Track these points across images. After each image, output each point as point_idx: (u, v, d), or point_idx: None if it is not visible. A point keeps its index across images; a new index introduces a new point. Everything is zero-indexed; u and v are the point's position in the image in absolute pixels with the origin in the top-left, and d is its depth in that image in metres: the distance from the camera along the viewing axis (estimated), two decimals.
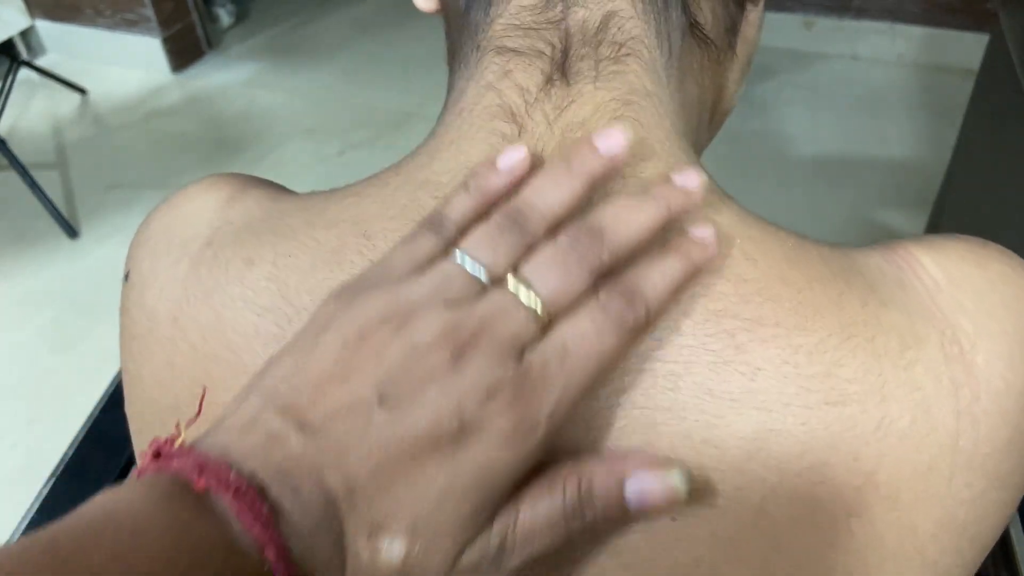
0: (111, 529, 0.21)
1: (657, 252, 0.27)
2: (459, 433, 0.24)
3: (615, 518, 0.26)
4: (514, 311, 0.25)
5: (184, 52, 2.35)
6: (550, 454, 0.26)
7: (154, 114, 2.17)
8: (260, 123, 2.10)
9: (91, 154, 2.02)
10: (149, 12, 2.24)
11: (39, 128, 2.11)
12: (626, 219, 0.27)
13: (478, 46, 0.34)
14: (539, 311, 0.26)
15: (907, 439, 0.27)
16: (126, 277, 0.37)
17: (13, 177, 1.81)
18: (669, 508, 0.26)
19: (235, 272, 0.32)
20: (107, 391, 0.58)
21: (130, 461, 0.55)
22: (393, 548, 0.24)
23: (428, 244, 0.28)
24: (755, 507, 0.27)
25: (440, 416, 0.24)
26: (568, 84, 0.32)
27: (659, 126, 0.32)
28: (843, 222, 1.67)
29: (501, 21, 0.33)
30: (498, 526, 0.25)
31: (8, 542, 0.51)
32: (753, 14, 0.38)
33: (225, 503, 0.22)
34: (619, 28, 0.32)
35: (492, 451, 0.24)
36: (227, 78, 2.31)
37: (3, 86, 1.96)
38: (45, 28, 2.41)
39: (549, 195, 0.28)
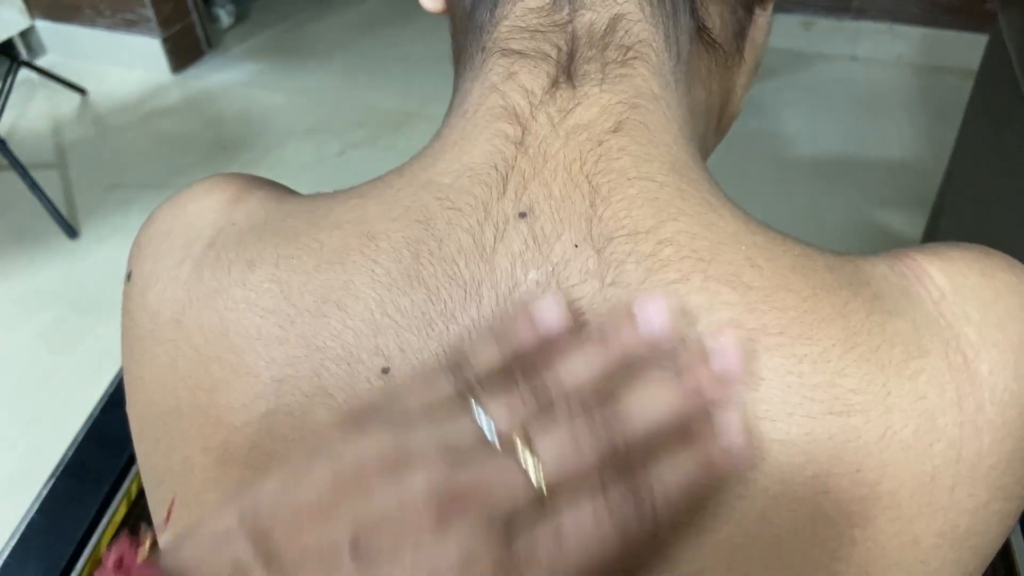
0: None
1: (678, 444, 0.24)
2: None
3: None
4: (513, 478, 0.23)
5: (184, 52, 2.34)
6: None
7: (154, 114, 2.17)
8: (260, 123, 2.10)
9: (91, 154, 2.02)
10: (149, 12, 2.24)
11: (39, 128, 2.11)
12: (651, 404, 0.25)
13: (483, 47, 0.34)
14: (541, 483, 0.23)
15: (911, 449, 0.27)
16: (128, 277, 0.36)
17: (13, 177, 1.81)
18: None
19: (238, 274, 0.32)
20: (107, 391, 0.59)
21: (130, 461, 0.55)
22: None
23: (444, 386, 0.26)
24: (758, 516, 0.27)
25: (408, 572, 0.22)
26: (573, 87, 0.32)
27: (666, 130, 0.32)
28: (842, 222, 1.67)
29: (507, 23, 0.33)
30: None
31: (6, 544, 0.50)
32: (761, 19, 0.38)
33: None
34: (627, 31, 0.32)
35: None
36: (227, 78, 2.31)
37: (3, 86, 1.96)
38: (45, 28, 2.41)
39: (578, 368, 0.26)
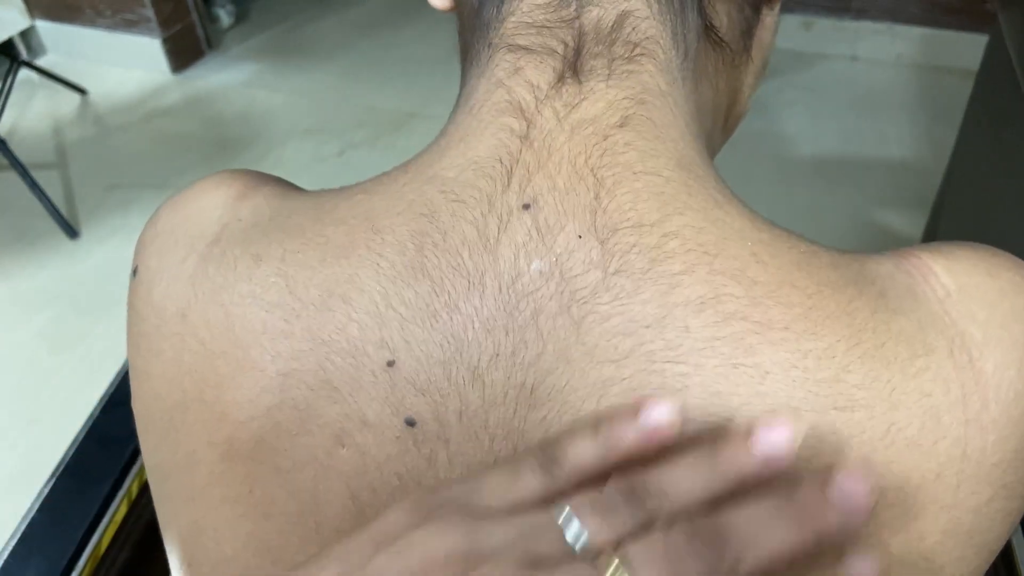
0: None
1: None
2: None
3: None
4: None
5: (184, 52, 2.35)
6: None
7: (154, 114, 2.17)
8: (260, 123, 2.11)
9: (91, 154, 2.02)
10: (149, 12, 2.24)
11: (39, 128, 2.11)
12: (764, 533, 0.22)
13: (490, 44, 0.34)
14: None
15: (915, 446, 0.27)
16: (134, 272, 0.37)
17: (13, 177, 1.81)
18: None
19: (243, 269, 0.32)
20: (108, 391, 0.59)
21: (131, 460, 0.55)
22: None
23: (532, 483, 0.24)
24: None
25: None
26: (579, 82, 0.32)
27: (673, 126, 0.32)
28: (842, 222, 1.67)
29: (513, 19, 0.33)
30: None
31: (7, 544, 0.50)
32: (768, 18, 0.38)
33: None
34: (634, 28, 0.32)
35: None
36: (227, 78, 2.31)
37: (3, 86, 1.96)
38: (45, 28, 2.41)
39: (683, 484, 0.23)
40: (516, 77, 0.32)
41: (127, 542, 0.54)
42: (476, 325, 0.29)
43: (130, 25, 2.29)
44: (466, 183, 0.31)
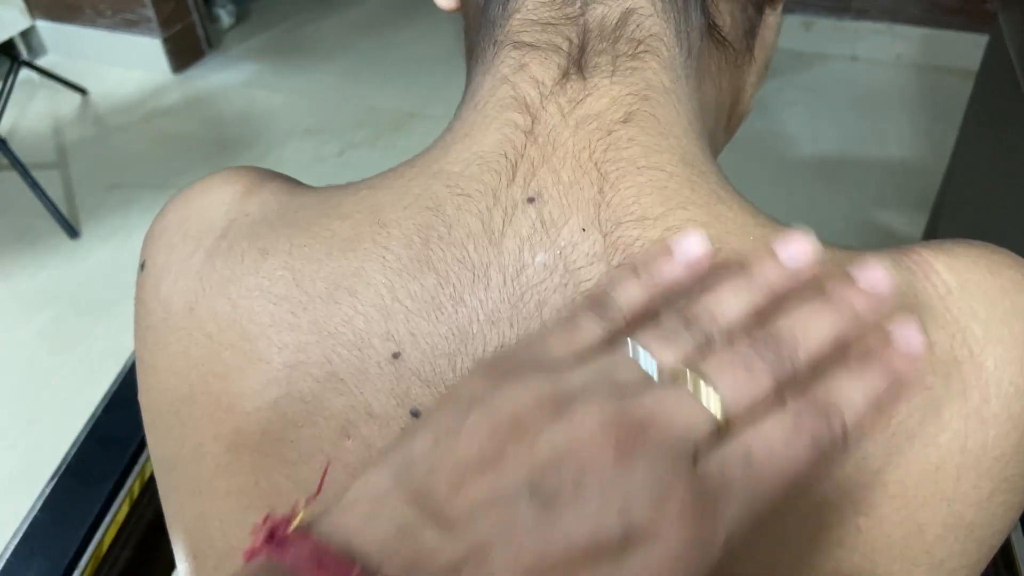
0: None
1: (856, 362, 0.24)
2: (623, 541, 0.20)
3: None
4: (690, 410, 0.22)
5: (184, 52, 2.35)
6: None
7: (154, 114, 2.17)
8: (260, 123, 2.11)
9: (91, 154, 2.02)
10: (149, 12, 2.24)
11: (40, 128, 2.11)
12: (810, 328, 0.24)
13: (495, 41, 0.34)
14: (719, 411, 0.22)
15: (915, 439, 0.27)
16: (141, 267, 0.37)
17: (13, 177, 1.81)
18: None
19: (251, 263, 0.32)
20: (109, 390, 0.59)
21: (132, 460, 0.55)
22: None
23: (591, 329, 0.25)
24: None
25: (602, 519, 0.20)
26: (584, 78, 0.32)
27: (676, 123, 0.32)
28: (843, 222, 1.67)
29: (519, 16, 0.34)
30: None
31: (8, 543, 0.50)
32: (771, 18, 0.38)
33: None
34: (638, 25, 0.32)
35: (662, 566, 0.20)
36: (227, 78, 2.31)
37: (4, 86, 1.96)
38: (45, 28, 2.41)
39: (728, 305, 0.25)
40: (521, 73, 0.33)
41: (129, 542, 0.54)
42: (481, 317, 0.29)
43: (130, 25, 2.29)
44: (471, 177, 0.31)
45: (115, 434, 0.56)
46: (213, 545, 0.32)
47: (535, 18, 0.33)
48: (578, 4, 0.32)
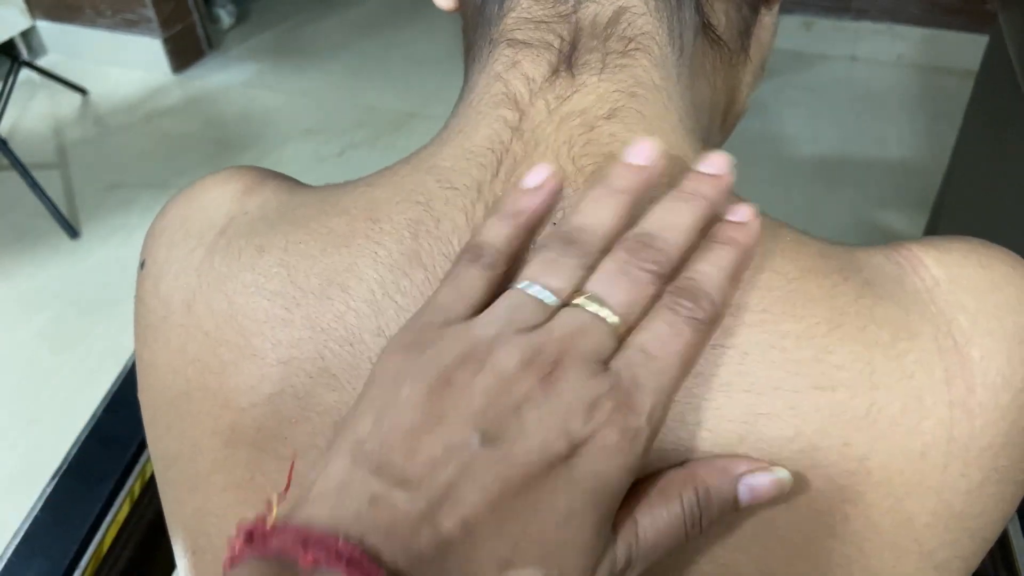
0: None
1: (705, 245, 0.28)
2: (570, 452, 0.23)
3: (724, 517, 0.27)
4: (591, 327, 0.25)
5: (185, 52, 2.35)
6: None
7: (155, 114, 2.17)
8: (260, 123, 2.11)
9: (92, 154, 2.03)
10: (150, 12, 2.24)
11: (40, 128, 2.12)
12: (673, 223, 0.27)
13: (491, 39, 0.35)
14: (615, 324, 0.26)
15: (898, 425, 0.27)
16: (142, 265, 0.37)
17: (14, 177, 1.81)
18: (774, 499, 0.27)
19: (247, 259, 0.33)
20: (109, 390, 0.59)
21: (133, 460, 0.55)
22: None
23: (473, 275, 0.27)
24: None
25: (548, 439, 0.23)
26: (573, 76, 0.32)
27: (664, 119, 0.32)
28: (842, 222, 1.67)
29: (513, 15, 0.34)
30: (622, 542, 0.25)
31: (9, 543, 0.50)
32: (767, 18, 0.38)
33: (339, 574, 0.20)
34: (630, 23, 0.33)
35: (605, 463, 0.24)
36: (227, 79, 2.31)
37: (4, 86, 1.96)
38: (46, 28, 2.41)
39: (596, 216, 0.28)
40: (513, 71, 0.33)
41: (129, 542, 0.54)
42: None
43: (131, 25, 2.29)
44: (460, 172, 0.32)
45: (115, 434, 0.56)
46: (211, 540, 0.32)
47: (529, 16, 0.33)
48: (571, 2, 0.33)
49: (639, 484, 0.26)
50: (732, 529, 0.27)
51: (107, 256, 1.72)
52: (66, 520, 0.52)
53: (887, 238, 0.34)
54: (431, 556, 0.22)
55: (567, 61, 0.32)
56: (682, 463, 0.27)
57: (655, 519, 0.25)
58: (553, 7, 0.33)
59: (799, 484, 0.27)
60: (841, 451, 0.27)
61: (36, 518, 0.52)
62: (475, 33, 0.36)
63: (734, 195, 0.30)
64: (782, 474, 0.26)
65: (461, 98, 0.36)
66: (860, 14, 2.19)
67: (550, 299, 0.26)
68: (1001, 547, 0.49)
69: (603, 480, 0.24)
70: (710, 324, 0.26)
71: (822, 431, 0.27)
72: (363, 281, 0.30)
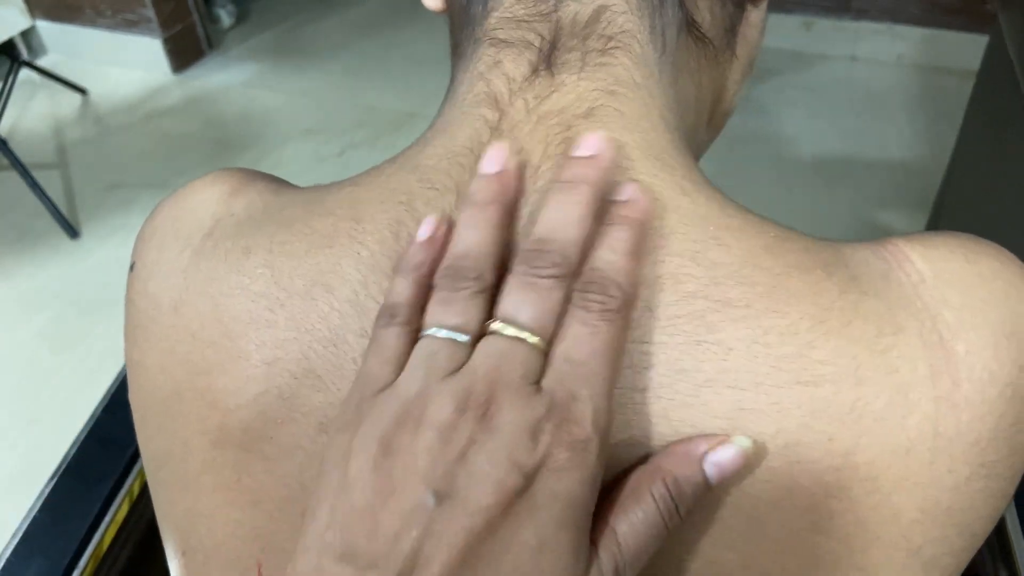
0: None
1: (601, 231, 0.28)
2: (525, 483, 0.23)
3: (700, 500, 0.27)
4: (512, 352, 0.25)
5: (184, 52, 2.35)
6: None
7: (154, 114, 2.17)
8: (260, 123, 2.11)
9: (92, 154, 2.03)
10: (150, 12, 2.24)
11: (40, 128, 2.12)
12: (562, 220, 0.27)
13: (475, 39, 0.35)
14: (534, 341, 0.26)
15: (883, 420, 0.27)
16: (132, 268, 0.37)
17: (14, 177, 1.81)
18: (743, 470, 0.27)
19: (233, 261, 0.33)
20: (109, 390, 0.59)
21: (132, 460, 0.55)
22: None
23: (391, 336, 0.27)
24: (734, 487, 0.27)
25: (500, 478, 0.23)
26: (552, 75, 0.32)
27: (645, 117, 0.32)
28: (843, 223, 1.67)
29: (496, 14, 0.34)
30: (604, 553, 0.25)
31: (8, 543, 0.50)
32: (754, 15, 0.38)
33: None
34: (610, 22, 0.33)
35: (563, 483, 0.24)
36: (227, 79, 2.31)
37: (4, 86, 1.96)
38: (46, 28, 2.41)
39: (474, 237, 0.28)
40: (495, 70, 0.33)
41: (128, 541, 0.54)
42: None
43: (131, 25, 2.30)
44: (441, 171, 0.32)
45: (115, 434, 0.56)
46: (201, 541, 0.32)
47: (511, 15, 0.34)
48: (551, 1, 0.33)
49: (611, 491, 0.26)
50: (719, 526, 0.27)
51: (107, 256, 1.72)
52: (65, 520, 0.52)
53: (886, 237, 0.33)
54: None
55: (547, 60, 0.33)
56: (645, 458, 0.27)
57: (632, 522, 0.25)
58: (534, 6, 0.33)
59: (784, 481, 0.27)
60: (826, 447, 0.27)
61: (35, 518, 0.52)
62: (461, 33, 0.36)
63: (622, 175, 0.30)
64: (743, 442, 0.26)
65: (446, 97, 0.36)
66: (860, 14, 2.19)
67: (461, 338, 0.26)
68: (1001, 546, 0.49)
69: (566, 500, 0.24)
70: (624, 310, 0.27)
71: (806, 426, 0.27)
72: (346, 282, 0.30)
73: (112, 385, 0.59)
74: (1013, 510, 0.49)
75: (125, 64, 2.34)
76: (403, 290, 0.28)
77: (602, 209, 0.28)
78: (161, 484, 0.35)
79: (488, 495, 0.23)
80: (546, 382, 0.25)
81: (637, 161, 0.31)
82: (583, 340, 0.26)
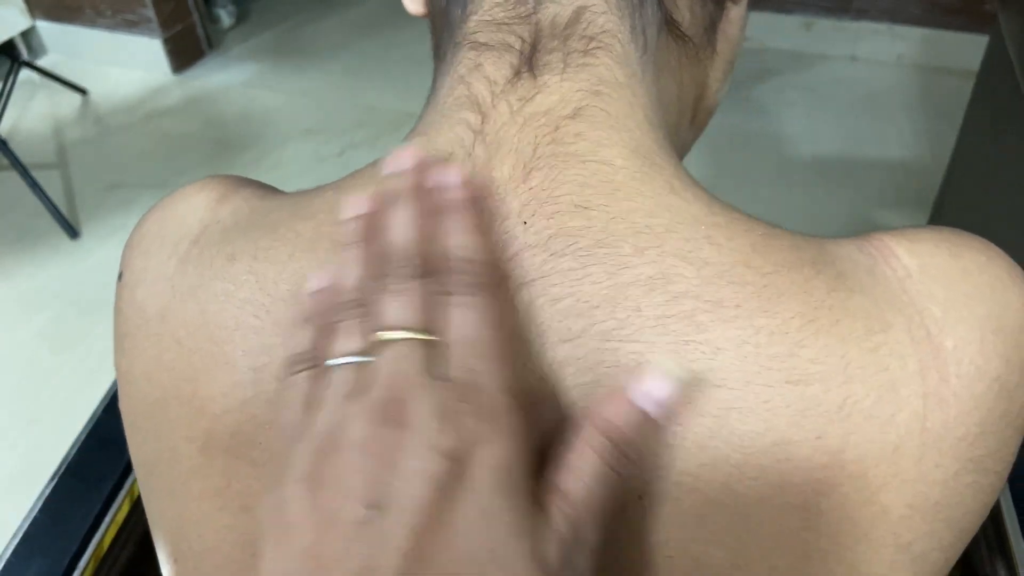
0: None
1: (432, 222, 0.29)
2: (457, 468, 0.24)
3: (653, 439, 0.27)
4: (408, 353, 0.26)
5: (185, 53, 2.35)
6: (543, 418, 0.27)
7: (154, 114, 2.17)
8: (260, 123, 2.11)
9: (92, 154, 2.03)
10: (150, 13, 2.24)
11: (40, 128, 2.12)
12: (397, 228, 0.29)
13: (455, 42, 0.35)
14: (423, 336, 0.27)
15: (872, 419, 0.27)
16: (120, 277, 0.37)
17: (14, 177, 1.81)
18: (682, 398, 0.27)
19: (218, 267, 0.33)
20: (109, 390, 0.59)
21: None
22: None
23: (296, 385, 0.28)
24: (720, 484, 0.27)
25: (431, 470, 0.24)
26: (535, 77, 0.32)
27: (630, 116, 0.32)
28: (843, 223, 1.67)
29: (475, 18, 0.34)
30: (557, 513, 0.25)
31: (9, 543, 0.50)
32: (734, 12, 0.38)
33: None
34: (590, 22, 0.33)
35: (493, 455, 0.24)
36: (227, 79, 2.31)
37: (4, 86, 1.96)
38: (46, 29, 2.41)
39: (353, 273, 0.29)
40: (476, 73, 0.33)
41: (129, 541, 0.54)
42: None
43: (131, 25, 2.30)
44: None
45: (115, 434, 0.56)
46: (191, 546, 0.32)
47: (490, 18, 0.34)
48: (531, 3, 0.33)
49: (554, 456, 0.26)
50: (707, 525, 0.27)
51: (107, 256, 1.72)
52: (66, 520, 0.52)
53: None
54: None
55: (528, 62, 0.33)
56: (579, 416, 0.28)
57: (577, 477, 0.25)
58: (514, 9, 0.33)
59: (773, 479, 0.27)
60: (815, 445, 0.27)
61: (36, 518, 0.52)
62: (441, 36, 0.36)
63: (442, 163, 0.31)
64: (667, 367, 0.26)
65: (428, 101, 0.36)
66: (860, 14, 2.19)
67: (360, 359, 0.27)
68: (999, 540, 0.49)
69: (499, 467, 0.24)
70: (485, 277, 0.28)
71: (795, 425, 0.27)
72: None
73: (112, 385, 0.59)
74: (1012, 510, 0.49)
75: (125, 64, 2.34)
76: (301, 340, 0.29)
77: (435, 204, 0.30)
78: (152, 491, 0.35)
79: (422, 489, 0.23)
80: (446, 370, 0.26)
81: (627, 160, 0.31)
82: (461, 320, 0.27)
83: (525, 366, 0.28)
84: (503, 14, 0.33)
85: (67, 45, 2.41)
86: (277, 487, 0.26)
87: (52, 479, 0.54)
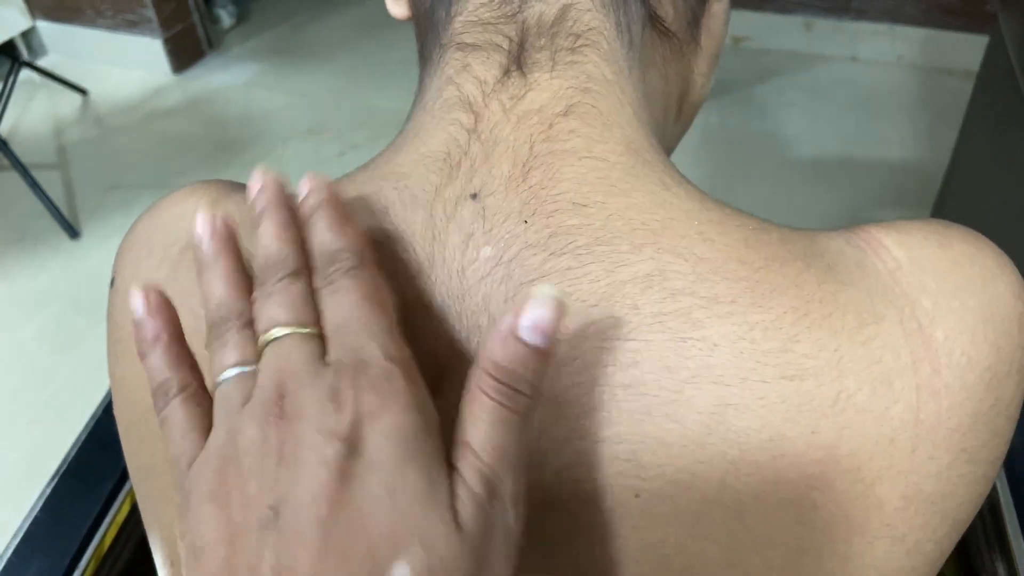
0: None
1: (306, 225, 0.29)
2: (352, 446, 0.23)
3: (546, 371, 0.26)
4: (288, 347, 0.26)
5: (185, 53, 2.35)
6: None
7: (155, 115, 2.17)
8: (260, 124, 2.11)
9: (92, 154, 2.03)
10: (150, 13, 2.24)
11: (40, 129, 2.12)
12: (266, 238, 0.28)
13: (441, 44, 0.35)
14: (302, 331, 0.26)
15: (866, 412, 0.27)
16: (112, 283, 0.37)
17: (14, 177, 1.81)
18: (564, 322, 0.26)
19: None
20: (109, 391, 0.59)
21: None
22: (414, 566, 0.23)
23: (175, 412, 0.28)
24: (717, 481, 0.27)
25: (323, 454, 0.23)
26: (524, 75, 0.32)
27: (620, 113, 0.32)
28: (842, 222, 1.66)
29: (460, 18, 0.34)
30: (467, 469, 0.24)
31: (9, 543, 0.50)
32: (717, 6, 0.38)
33: None
34: (576, 20, 0.33)
35: (386, 422, 0.24)
36: (228, 79, 2.31)
37: (4, 87, 1.96)
38: (46, 29, 2.41)
39: (220, 288, 0.29)
40: (464, 73, 0.33)
41: (129, 541, 0.54)
42: (430, 314, 0.30)
43: (131, 25, 2.30)
44: (418, 177, 0.32)
45: (115, 435, 0.56)
46: None
47: (476, 19, 0.34)
48: (516, 2, 0.33)
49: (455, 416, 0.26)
50: (701, 521, 0.27)
51: (107, 256, 1.72)
52: (66, 520, 0.52)
53: None
54: None
55: (517, 61, 0.33)
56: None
57: (480, 427, 0.25)
58: (499, 8, 0.33)
59: (767, 475, 0.27)
60: (809, 440, 0.27)
61: (36, 518, 0.52)
62: (426, 38, 0.36)
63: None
64: (544, 291, 0.25)
65: (415, 103, 0.36)
66: (860, 14, 2.19)
67: (247, 370, 0.26)
68: (998, 537, 0.49)
69: (396, 436, 0.24)
70: (358, 260, 0.27)
71: (790, 420, 0.27)
72: None
73: None
74: (1013, 510, 0.49)
75: (125, 64, 2.34)
76: (158, 367, 0.28)
77: (296, 213, 0.30)
78: (147, 496, 0.35)
79: (318, 477, 0.23)
80: (330, 357, 0.25)
81: (620, 156, 0.31)
82: (338, 304, 0.26)
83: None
84: (489, 14, 0.33)
85: (67, 45, 2.41)
86: (185, 514, 0.25)
87: (52, 479, 0.54)
